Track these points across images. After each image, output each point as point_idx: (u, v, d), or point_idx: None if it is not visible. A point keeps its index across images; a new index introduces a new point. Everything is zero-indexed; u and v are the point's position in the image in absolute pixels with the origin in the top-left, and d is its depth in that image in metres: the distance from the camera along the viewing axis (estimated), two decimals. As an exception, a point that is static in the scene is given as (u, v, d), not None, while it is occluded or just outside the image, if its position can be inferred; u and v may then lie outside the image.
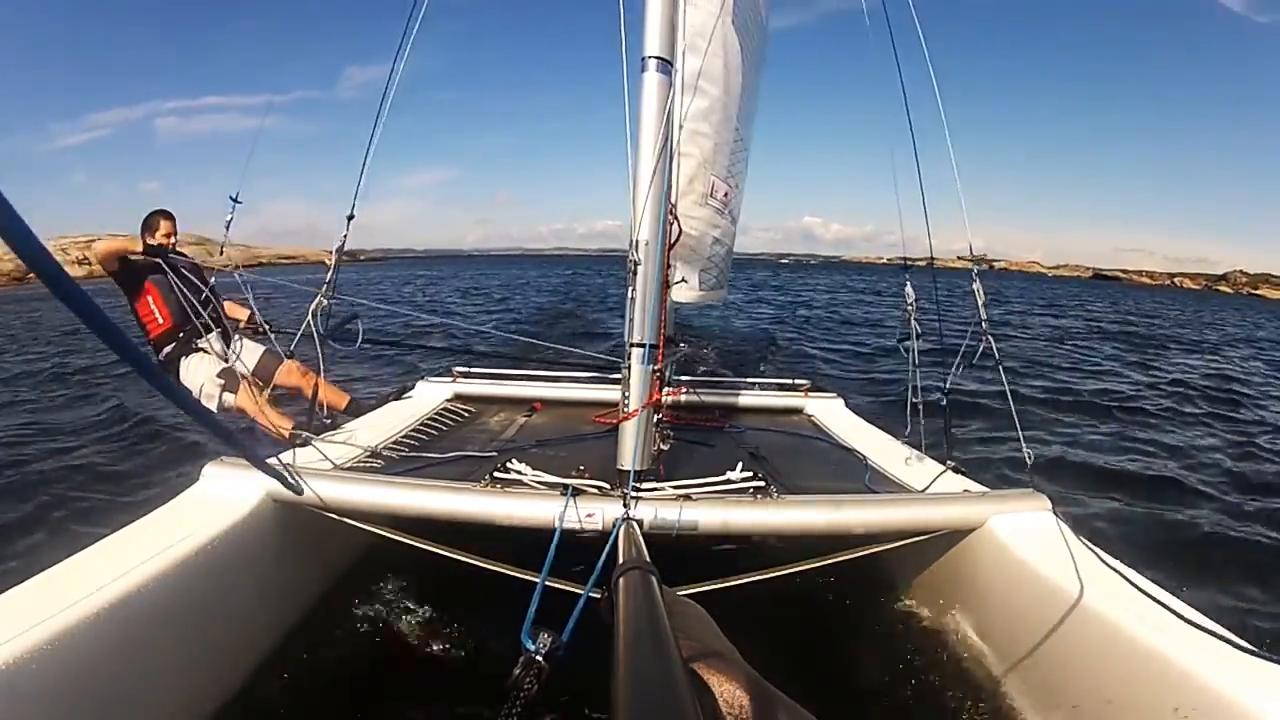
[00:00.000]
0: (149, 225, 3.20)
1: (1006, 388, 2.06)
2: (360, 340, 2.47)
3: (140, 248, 3.09)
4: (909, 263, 2.61)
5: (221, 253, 3.15)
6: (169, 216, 3.25)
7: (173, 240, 3.24)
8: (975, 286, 2.15)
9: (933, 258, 2.62)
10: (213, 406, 3.22)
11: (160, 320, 3.20)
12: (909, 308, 2.53)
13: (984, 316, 2.12)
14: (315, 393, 2.89)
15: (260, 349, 3.46)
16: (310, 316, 2.21)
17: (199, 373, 3.27)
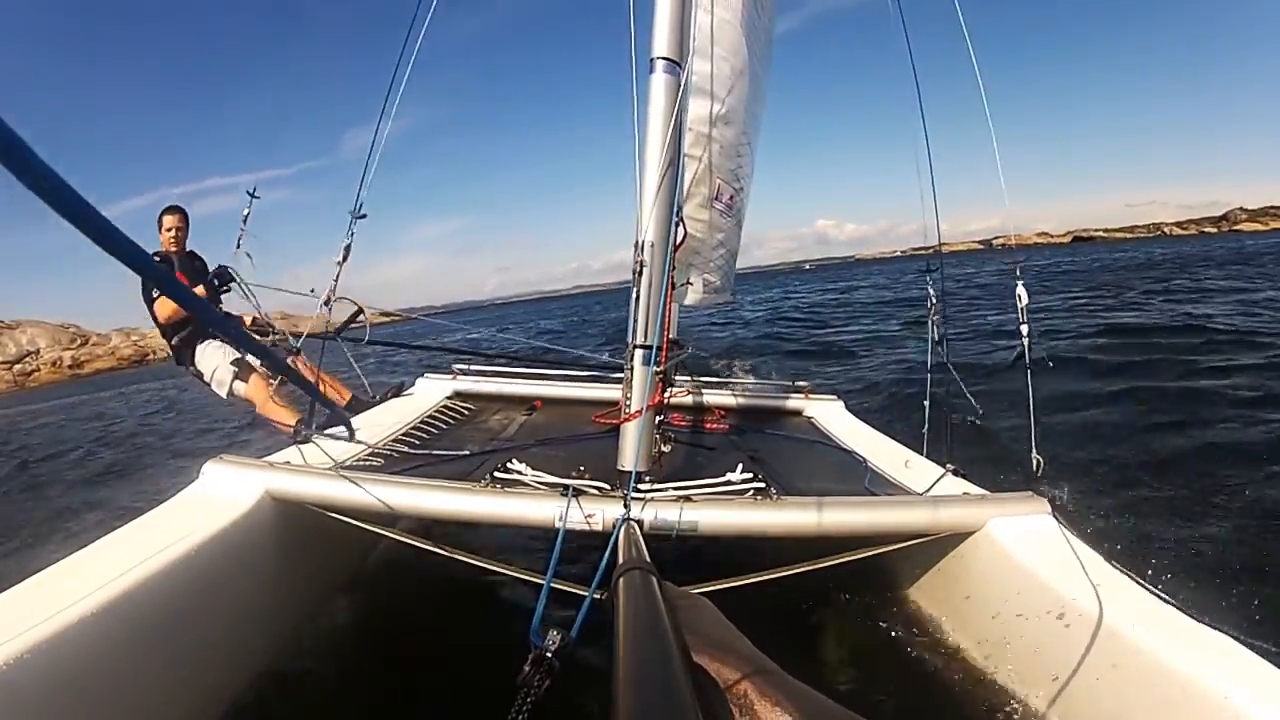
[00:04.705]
0: (159, 223, 3.38)
1: (1030, 390, 2.06)
2: (367, 337, 2.49)
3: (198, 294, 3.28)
4: (930, 267, 2.63)
5: (238, 247, 3.28)
6: (171, 211, 3.40)
7: (177, 234, 3.37)
8: (1019, 292, 2.15)
9: (940, 243, 2.63)
10: (223, 394, 3.37)
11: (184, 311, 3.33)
12: (931, 308, 2.54)
13: (1023, 320, 2.13)
14: (315, 392, 2.92)
15: (268, 344, 3.57)
16: (322, 305, 2.22)
17: (212, 359, 3.40)
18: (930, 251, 2.66)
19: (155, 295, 3.28)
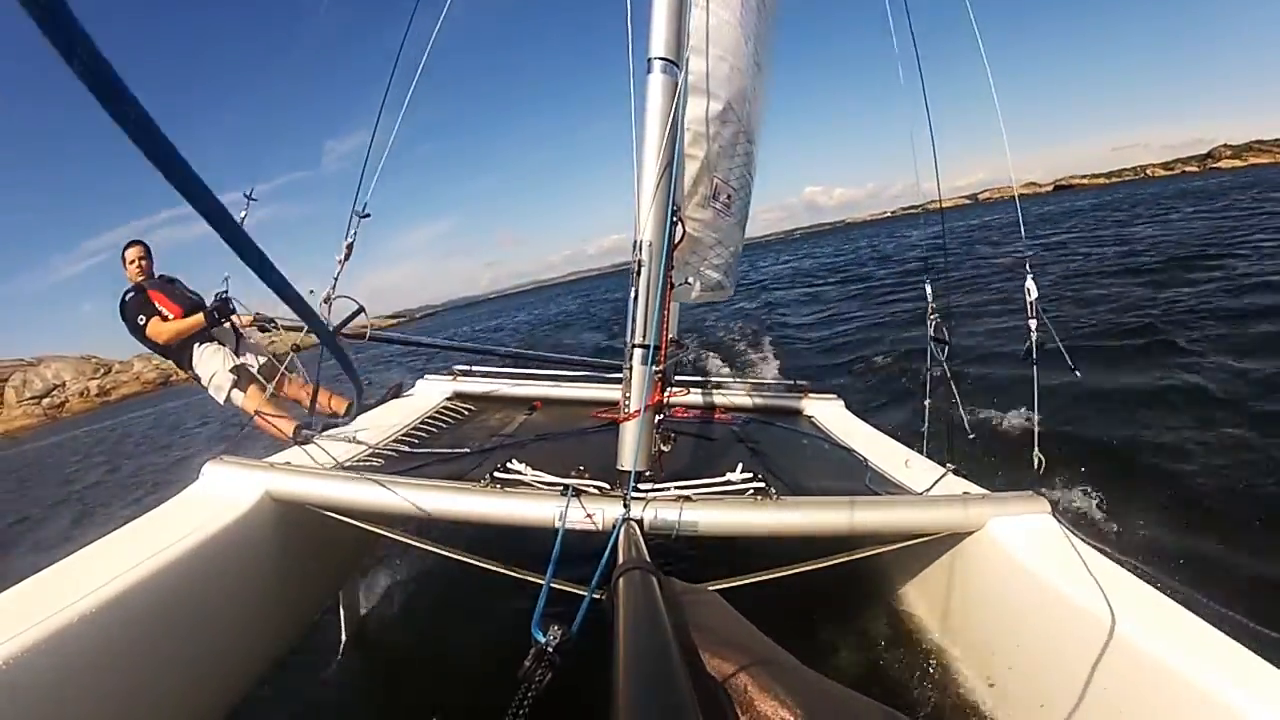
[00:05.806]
0: (122, 259, 3.52)
1: (1034, 385, 2.05)
2: (369, 335, 2.50)
3: (197, 322, 3.38)
4: (929, 262, 2.62)
5: None
6: (131, 246, 3.52)
7: (142, 264, 3.48)
8: (1028, 285, 2.15)
9: (941, 200, 2.63)
10: (220, 399, 3.39)
11: (170, 316, 3.36)
12: (930, 307, 2.55)
13: (1031, 315, 2.13)
14: (315, 391, 2.93)
15: (266, 354, 3.62)
16: (323, 302, 2.21)
17: (211, 362, 3.42)
18: (919, 211, 2.68)
19: (143, 322, 3.34)
